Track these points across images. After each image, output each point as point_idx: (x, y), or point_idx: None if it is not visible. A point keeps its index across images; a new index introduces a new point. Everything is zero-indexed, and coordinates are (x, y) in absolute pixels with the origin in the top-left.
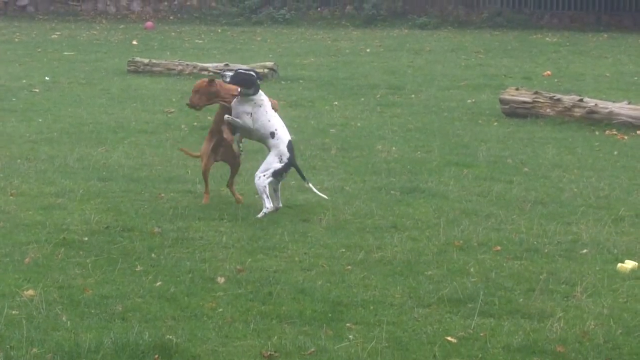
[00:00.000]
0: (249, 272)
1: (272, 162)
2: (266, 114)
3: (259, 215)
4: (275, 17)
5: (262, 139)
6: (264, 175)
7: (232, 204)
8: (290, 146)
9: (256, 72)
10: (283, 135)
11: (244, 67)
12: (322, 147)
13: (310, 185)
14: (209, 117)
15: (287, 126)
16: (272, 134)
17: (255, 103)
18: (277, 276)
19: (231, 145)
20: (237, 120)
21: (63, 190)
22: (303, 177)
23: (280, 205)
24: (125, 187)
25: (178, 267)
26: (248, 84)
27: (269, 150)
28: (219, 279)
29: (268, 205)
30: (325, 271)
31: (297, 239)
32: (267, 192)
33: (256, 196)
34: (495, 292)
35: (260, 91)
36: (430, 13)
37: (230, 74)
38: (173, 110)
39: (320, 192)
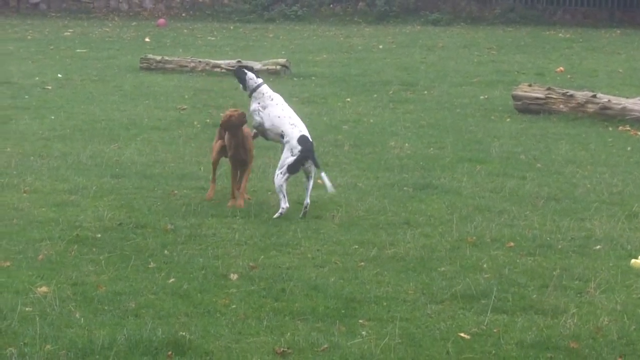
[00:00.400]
0: (261, 269)
1: (286, 158)
2: (269, 115)
3: (275, 216)
4: (287, 14)
5: (276, 140)
6: (281, 173)
7: (245, 201)
8: (301, 139)
9: (241, 65)
10: (291, 133)
11: (256, 64)
12: (334, 144)
13: (324, 174)
14: (221, 114)
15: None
16: (281, 135)
17: (260, 102)
18: (290, 273)
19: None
20: (254, 129)
21: (76, 187)
22: (317, 165)
23: (309, 201)
24: (138, 184)
25: (191, 263)
26: (241, 82)
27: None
28: (232, 275)
29: (284, 205)
30: (338, 268)
31: (309, 235)
32: (284, 192)
33: (269, 193)
34: (509, 288)
35: (260, 88)
36: (442, 9)
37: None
38: (186, 107)
39: (329, 184)
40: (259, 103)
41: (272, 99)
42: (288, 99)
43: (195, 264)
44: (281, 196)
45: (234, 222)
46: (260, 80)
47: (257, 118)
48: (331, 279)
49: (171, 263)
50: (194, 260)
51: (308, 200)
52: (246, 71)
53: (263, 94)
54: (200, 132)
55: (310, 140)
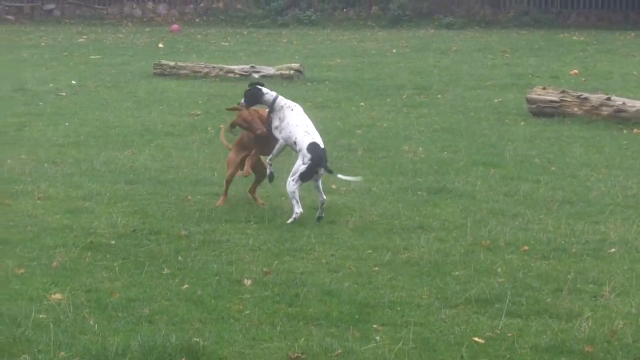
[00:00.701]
0: (275, 274)
1: (298, 166)
2: (288, 125)
3: (289, 221)
4: (301, 18)
5: (293, 149)
6: (293, 180)
7: (259, 206)
8: (312, 147)
9: (251, 83)
10: (303, 140)
11: (270, 69)
12: (348, 148)
13: (340, 176)
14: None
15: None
16: (295, 143)
17: (279, 116)
18: (304, 278)
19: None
20: (276, 149)
21: (90, 193)
22: (330, 171)
23: (324, 198)
24: (151, 190)
25: (205, 269)
26: (256, 98)
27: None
28: (245, 281)
29: (297, 210)
30: (352, 272)
31: (323, 240)
32: (297, 197)
33: (282, 198)
34: (523, 292)
35: (278, 100)
36: (456, 13)
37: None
38: (199, 112)
39: (350, 177)
40: (279, 118)
41: (292, 109)
42: (302, 103)
43: (209, 269)
44: (294, 202)
45: (247, 228)
46: (274, 93)
47: (280, 140)
48: (345, 284)
49: (185, 269)
50: (208, 266)
51: (324, 197)
52: (260, 88)
53: (282, 106)
54: (214, 137)
55: (322, 147)
